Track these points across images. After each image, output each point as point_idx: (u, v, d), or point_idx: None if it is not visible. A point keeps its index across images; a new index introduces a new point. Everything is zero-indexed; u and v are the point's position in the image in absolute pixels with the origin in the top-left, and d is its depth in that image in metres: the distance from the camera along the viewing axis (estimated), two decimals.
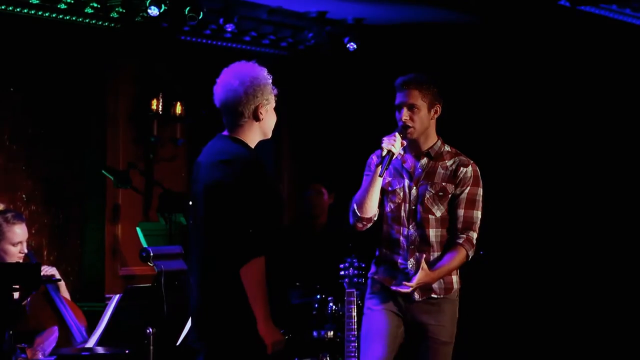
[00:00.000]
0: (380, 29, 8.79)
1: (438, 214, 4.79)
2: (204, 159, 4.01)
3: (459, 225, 4.81)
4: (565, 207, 8.57)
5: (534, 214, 8.66)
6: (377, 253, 4.91)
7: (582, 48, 8.44)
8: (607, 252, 8.39)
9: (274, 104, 4.11)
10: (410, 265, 4.76)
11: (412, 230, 4.78)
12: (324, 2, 8.13)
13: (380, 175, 4.66)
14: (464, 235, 4.81)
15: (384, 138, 4.72)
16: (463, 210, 4.81)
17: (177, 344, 5.60)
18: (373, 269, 4.93)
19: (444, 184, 4.80)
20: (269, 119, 4.11)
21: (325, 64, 9.22)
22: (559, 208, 8.59)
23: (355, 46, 8.64)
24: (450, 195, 4.81)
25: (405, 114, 4.78)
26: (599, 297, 8.35)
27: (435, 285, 4.78)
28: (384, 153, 4.66)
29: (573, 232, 8.48)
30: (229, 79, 4.05)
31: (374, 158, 4.83)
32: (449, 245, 4.81)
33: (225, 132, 4.08)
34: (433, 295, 4.80)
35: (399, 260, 4.79)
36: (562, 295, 8.48)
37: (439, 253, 4.80)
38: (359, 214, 4.70)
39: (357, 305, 5.56)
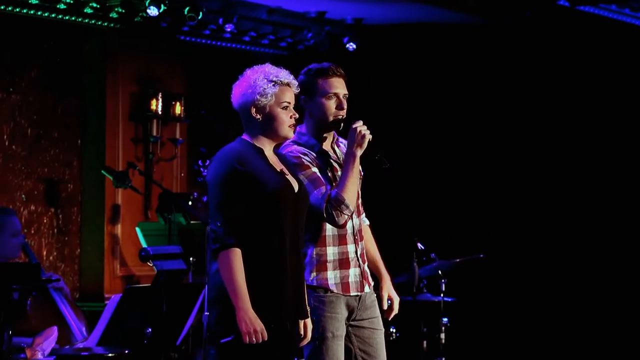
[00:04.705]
0: (379, 29, 8.79)
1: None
2: None
3: (360, 201, 4.67)
4: (565, 208, 8.57)
5: (535, 216, 8.66)
6: (316, 256, 4.47)
7: (581, 48, 8.44)
8: (607, 254, 8.39)
9: (280, 104, 4.22)
10: (360, 252, 4.55)
11: (354, 219, 4.57)
12: (323, 2, 8.13)
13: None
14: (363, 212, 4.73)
15: (362, 130, 4.54)
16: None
17: (177, 343, 5.60)
18: (317, 275, 4.46)
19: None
20: (265, 119, 4.20)
21: None
22: (559, 210, 8.59)
23: (354, 46, 8.64)
24: None
25: (345, 105, 4.64)
26: (600, 300, 8.35)
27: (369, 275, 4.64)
28: (366, 142, 4.50)
29: (574, 234, 8.48)
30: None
31: (299, 154, 4.56)
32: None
33: None
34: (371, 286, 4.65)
35: (349, 251, 4.53)
36: (563, 298, 8.47)
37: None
38: (351, 209, 4.43)
39: None
